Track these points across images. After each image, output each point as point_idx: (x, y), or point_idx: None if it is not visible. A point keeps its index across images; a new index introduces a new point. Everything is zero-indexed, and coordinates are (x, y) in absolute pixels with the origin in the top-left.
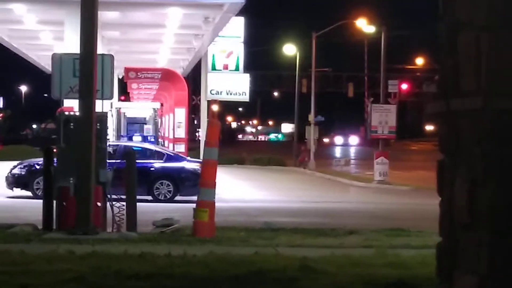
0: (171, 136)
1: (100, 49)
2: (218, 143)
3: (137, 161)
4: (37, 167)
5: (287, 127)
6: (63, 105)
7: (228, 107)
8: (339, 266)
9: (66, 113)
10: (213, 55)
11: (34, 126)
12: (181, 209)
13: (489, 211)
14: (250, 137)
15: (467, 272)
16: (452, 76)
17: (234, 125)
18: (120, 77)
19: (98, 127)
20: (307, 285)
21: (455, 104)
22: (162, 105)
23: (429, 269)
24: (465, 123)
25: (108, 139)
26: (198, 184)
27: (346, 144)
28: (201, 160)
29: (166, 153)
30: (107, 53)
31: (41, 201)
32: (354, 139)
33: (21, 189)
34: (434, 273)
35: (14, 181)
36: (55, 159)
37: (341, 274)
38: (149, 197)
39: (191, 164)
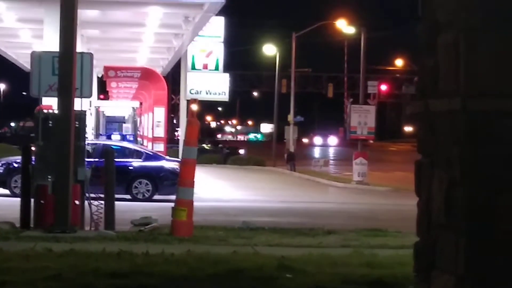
0: (150, 135)
1: (80, 48)
2: (197, 143)
3: (116, 159)
4: (15, 165)
5: (266, 127)
6: (41, 103)
7: (208, 106)
8: (317, 265)
9: (45, 111)
10: (193, 55)
11: (13, 124)
12: (159, 208)
13: (466, 211)
14: (229, 137)
15: (445, 272)
16: (431, 77)
17: (213, 124)
18: (100, 75)
19: (77, 125)
20: (285, 284)
21: (434, 104)
22: (141, 104)
23: (407, 269)
24: (443, 123)
25: (87, 138)
26: (176, 183)
27: (325, 145)
28: (179, 159)
29: (145, 152)
30: (87, 52)
31: (18, 199)
32: (333, 140)
33: None
34: (412, 273)
35: None
36: (33, 157)
37: (319, 273)
38: (128, 196)
39: (169, 163)
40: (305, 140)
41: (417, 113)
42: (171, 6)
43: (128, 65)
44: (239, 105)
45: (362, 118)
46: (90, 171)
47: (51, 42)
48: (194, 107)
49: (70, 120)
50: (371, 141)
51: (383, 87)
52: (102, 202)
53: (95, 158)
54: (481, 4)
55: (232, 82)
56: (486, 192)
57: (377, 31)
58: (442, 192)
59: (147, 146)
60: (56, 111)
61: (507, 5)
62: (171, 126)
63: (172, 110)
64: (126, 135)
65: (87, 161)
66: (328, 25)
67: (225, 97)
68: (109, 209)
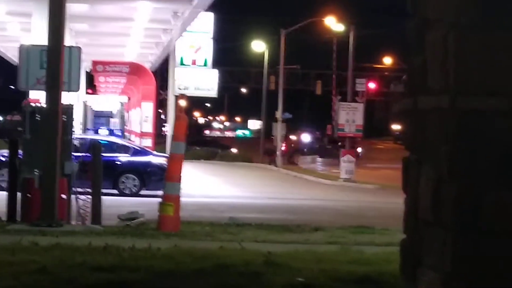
0: (138, 130)
1: (68, 42)
2: (185, 138)
3: (103, 154)
4: (2, 158)
5: (254, 124)
6: (29, 96)
7: (196, 102)
8: (304, 262)
9: (32, 104)
10: (182, 50)
11: (0, 118)
12: (146, 203)
13: (453, 209)
14: (217, 133)
15: (431, 269)
16: (420, 74)
17: (201, 120)
18: (88, 70)
19: (64, 119)
20: (271, 279)
21: (423, 102)
22: (129, 99)
23: (394, 266)
24: (432, 121)
25: (74, 132)
26: (164, 178)
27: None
28: (167, 155)
29: (133, 147)
30: (75, 45)
31: (5, 193)
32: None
33: None
34: (398, 270)
35: None
36: (20, 151)
37: (306, 269)
38: (115, 191)
39: (157, 159)
40: (293, 137)
41: (406, 110)
42: (160, 1)
43: (116, 59)
44: (227, 101)
45: (350, 116)
46: (77, 165)
47: (39, 36)
48: (182, 102)
49: (57, 114)
50: (359, 139)
51: (372, 85)
52: (89, 196)
53: (82, 153)
54: (471, 1)
55: (221, 78)
56: (474, 190)
57: (366, 29)
58: (429, 190)
59: (134, 141)
60: (43, 105)
61: (496, 2)
62: (159, 122)
63: (160, 106)
64: (113, 129)
65: (74, 156)
66: (317, 22)
67: (213, 93)
68: (96, 204)
